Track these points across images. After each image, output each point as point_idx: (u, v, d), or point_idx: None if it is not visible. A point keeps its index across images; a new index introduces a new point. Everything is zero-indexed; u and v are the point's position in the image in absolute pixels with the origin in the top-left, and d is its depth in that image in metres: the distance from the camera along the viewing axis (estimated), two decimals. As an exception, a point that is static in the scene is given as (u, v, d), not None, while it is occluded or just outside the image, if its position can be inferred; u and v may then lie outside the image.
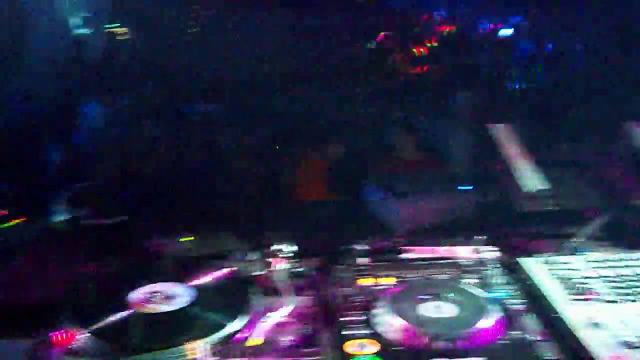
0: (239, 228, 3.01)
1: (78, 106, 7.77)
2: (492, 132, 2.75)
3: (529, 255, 2.53)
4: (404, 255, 2.58)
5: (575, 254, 2.50)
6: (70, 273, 2.60)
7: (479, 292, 2.17)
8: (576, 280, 2.25)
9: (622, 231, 2.90)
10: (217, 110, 7.41)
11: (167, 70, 8.99)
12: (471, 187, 3.02)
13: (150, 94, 7.58)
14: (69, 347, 1.96)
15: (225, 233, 2.98)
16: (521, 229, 2.82)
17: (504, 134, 2.72)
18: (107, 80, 8.72)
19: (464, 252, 2.66)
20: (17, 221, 4.17)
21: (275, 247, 2.35)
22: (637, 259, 2.45)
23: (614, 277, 2.27)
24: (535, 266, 2.38)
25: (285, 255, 2.32)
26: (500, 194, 2.81)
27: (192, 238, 2.89)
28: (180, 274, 2.29)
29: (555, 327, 2.03)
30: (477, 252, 2.63)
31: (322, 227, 2.93)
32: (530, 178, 2.49)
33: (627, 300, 2.11)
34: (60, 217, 3.17)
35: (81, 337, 1.97)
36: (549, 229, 2.79)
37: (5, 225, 4.14)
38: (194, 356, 1.89)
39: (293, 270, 2.29)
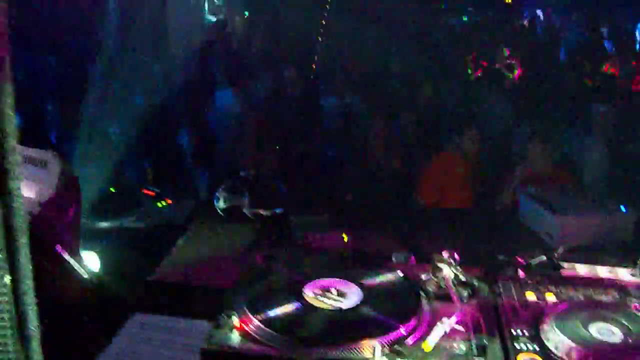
0: (392, 228, 3.09)
1: (219, 94, 8.07)
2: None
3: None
4: (564, 272, 2.59)
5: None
6: (239, 259, 2.74)
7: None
8: None
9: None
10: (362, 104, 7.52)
11: (305, 62, 9.18)
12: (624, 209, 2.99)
13: (291, 86, 7.75)
14: (245, 331, 2.08)
15: (379, 232, 3.06)
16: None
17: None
18: (246, 68, 9.00)
19: (624, 274, 2.64)
20: (166, 202, 4.40)
21: (442, 253, 2.40)
22: None
23: None
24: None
25: (451, 262, 2.37)
26: None
27: (346, 236, 2.98)
28: (350, 271, 2.38)
29: None
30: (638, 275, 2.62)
31: (477, 235, 2.97)
32: None
33: None
34: (222, 205, 3.32)
35: (257, 324, 2.09)
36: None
37: (159, 204, 4.38)
38: (365, 355, 1.97)
39: (459, 277, 2.34)
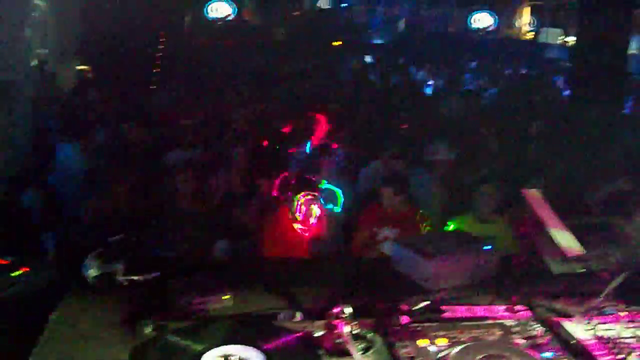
0: (275, 285, 3.09)
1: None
2: (525, 197, 2.92)
3: (565, 315, 2.70)
4: (447, 315, 2.72)
5: (606, 314, 2.67)
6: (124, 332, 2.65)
7: (531, 353, 2.31)
8: (616, 339, 2.42)
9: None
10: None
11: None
12: (490, 248, 3.20)
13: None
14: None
15: (262, 291, 3.06)
16: (551, 290, 2.98)
17: (535, 199, 2.90)
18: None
19: (501, 312, 2.81)
20: (20, 272, 4.15)
21: (333, 309, 2.44)
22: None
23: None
24: (575, 327, 2.53)
25: (344, 316, 2.42)
26: (530, 255, 2.97)
27: (230, 296, 2.95)
28: (247, 335, 2.37)
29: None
30: (514, 311, 2.79)
31: (357, 285, 3.04)
32: (566, 241, 2.66)
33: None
34: (93, 273, 3.20)
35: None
36: (577, 289, 2.97)
37: (12, 274, 4.11)
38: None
39: (354, 332, 2.39)
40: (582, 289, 3.00)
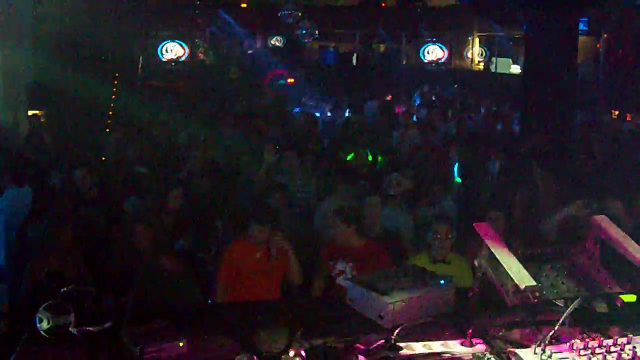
0: (227, 329, 3.06)
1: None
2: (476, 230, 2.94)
3: (519, 346, 2.71)
4: (404, 353, 2.71)
5: (559, 343, 2.69)
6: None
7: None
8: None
9: (592, 318, 3.14)
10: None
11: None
12: (444, 282, 3.21)
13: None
14: None
15: (216, 336, 3.02)
16: (505, 321, 3.01)
17: (486, 231, 2.92)
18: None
19: (456, 346, 2.82)
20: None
21: (290, 352, 2.43)
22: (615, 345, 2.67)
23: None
24: (531, 357, 2.55)
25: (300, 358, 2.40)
26: (484, 288, 2.99)
27: (184, 343, 2.91)
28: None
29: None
30: (470, 345, 2.80)
31: (311, 326, 3.02)
32: (518, 274, 2.69)
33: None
34: (45, 325, 3.13)
35: None
36: (531, 319, 2.99)
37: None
38: None
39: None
40: (537, 319, 3.04)
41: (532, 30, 11.06)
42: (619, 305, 3.20)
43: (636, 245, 2.96)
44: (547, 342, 2.72)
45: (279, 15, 18.93)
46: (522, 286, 2.58)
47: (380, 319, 3.02)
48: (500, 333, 2.95)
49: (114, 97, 17.93)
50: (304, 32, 18.96)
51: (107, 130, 15.39)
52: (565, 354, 2.58)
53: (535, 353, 2.60)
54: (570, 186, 7.25)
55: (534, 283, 2.63)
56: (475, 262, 2.97)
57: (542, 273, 2.89)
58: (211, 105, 15.03)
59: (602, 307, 3.27)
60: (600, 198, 6.35)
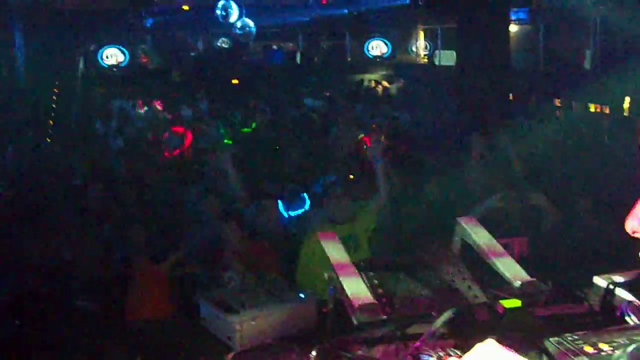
0: None
1: None
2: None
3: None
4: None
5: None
6: None
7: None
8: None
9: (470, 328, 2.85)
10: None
11: None
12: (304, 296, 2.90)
13: None
14: None
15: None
16: (369, 337, 2.71)
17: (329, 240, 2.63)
18: None
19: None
20: None
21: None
22: None
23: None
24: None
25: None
26: (336, 301, 2.68)
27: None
28: None
29: None
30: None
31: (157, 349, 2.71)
32: (358, 290, 2.39)
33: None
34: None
35: None
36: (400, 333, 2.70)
37: None
38: None
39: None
40: (407, 333, 2.73)
41: (463, 20, 10.92)
42: (500, 312, 2.92)
43: (501, 249, 2.68)
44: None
45: (216, 13, 18.60)
46: (357, 305, 2.28)
47: (229, 340, 2.71)
48: (360, 352, 2.64)
49: (54, 105, 17.60)
50: (239, 31, 18.62)
51: (49, 139, 15.07)
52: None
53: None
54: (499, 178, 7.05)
55: (371, 301, 2.33)
56: (326, 275, 2.66)
57: (399, 284, 2.60)
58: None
59: (483, 315, 2.97)
60: (524, 190, 6.15)
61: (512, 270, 2.80)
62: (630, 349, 2.32)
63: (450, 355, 2.46)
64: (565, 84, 13.67)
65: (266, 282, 3.00)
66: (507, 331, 2.77)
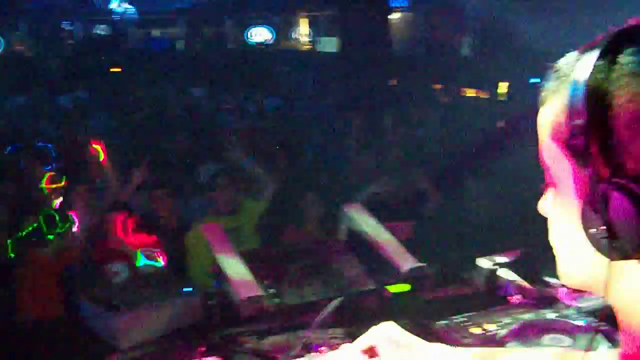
0: None
1: None
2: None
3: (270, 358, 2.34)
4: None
5: (311, 351, 2.34)
6: None
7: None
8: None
9: (359, 316, 2.83)
10: None
11: None
12: (191, 289, 2.80)
13: None
14: None
15: None
16: (258, 328, 2.63)
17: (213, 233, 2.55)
18: None
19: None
20: None
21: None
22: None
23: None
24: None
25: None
26: (222, 296, 2.61)
27: None
28: None
29: None
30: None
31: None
32: (242, 282, 2.33)
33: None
34: None
35: None
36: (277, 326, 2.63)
37: None
38: None
39: None
40: (297, 323, 2.68)
41: (343, 6, 10.98)
42: (387, 297, 2.93)
43: (388, 235, 2.67)
44: (294, 353, 2.37)
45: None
46: (245, 296, 2.22)
47: (113, 339, 2.58)
48: (248, 345, 2.57)
49: None
50: (119, 18, 18.11)
51: None
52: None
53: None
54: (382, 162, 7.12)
55: (258, 293, 2.27)
56: (211, 268, 2.59)
57: (287, 274, 2.55)
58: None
59: (371, 301, 2.97)
60: (407, 174, 6.23)
61: (398, 255, 2.80)
62: (516, 327, 2.37)
63: (340, 343, 2.43)
64: (445, 70, 13.99)
65: (151, 276, 2.89)
66: (395, 316, 2.78)
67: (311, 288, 2.54)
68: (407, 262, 2.78)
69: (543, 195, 1.28)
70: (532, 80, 13.94)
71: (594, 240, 1.08)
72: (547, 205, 1.26)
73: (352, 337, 2.51)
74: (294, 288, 2.51)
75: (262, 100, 13.47)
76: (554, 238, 1.25)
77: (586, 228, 1.09)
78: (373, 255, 2.80)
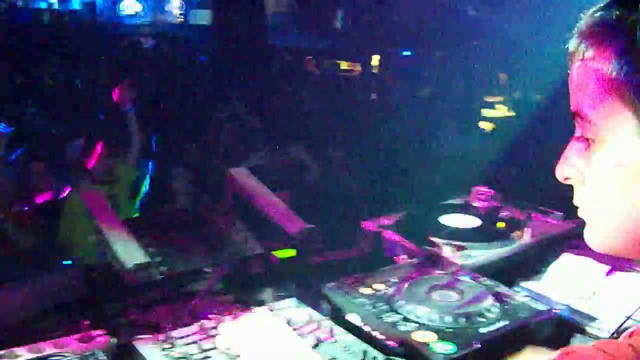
0: None
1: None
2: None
3: (154, 330, 2.25)
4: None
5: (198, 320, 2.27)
6: None
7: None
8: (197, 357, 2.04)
9: (246, 283, 2.79)
10: None
11: None
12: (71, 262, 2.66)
13: None
14: None
15: None
16: (136, 303, 2.53)
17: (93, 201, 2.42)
18: None
19: (74, 344, 2.30)
20: None
21: None
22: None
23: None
24: (152, 349, 2.10)
25: None
26: (105, 268, 2.49)
27: None
28: None
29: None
30: (89, 339, 2.29)
31: None
32: (126, 250, 2.23)
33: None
34: None
35: None
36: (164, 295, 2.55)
37: None
38: None
39: None
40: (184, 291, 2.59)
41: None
42: (274, 263, 2.90)
43: (274, 198, 2.64)
44: (181, 323, 2.30)
45: None
46: (130, 265, 2.13)
47: (-12, 318, 2.42)
48: (133, 317, 2.48)
49: None
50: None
51: None
52: (193, 337, 2.15)
53: (157, 342, 2.14)
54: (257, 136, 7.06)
55: (145, 260, 2.18)
56: (92, 238, 2.47)
57: (172, 241, 2.47)
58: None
59: (257, 268, 2.93)
60: (284, 144, 6.20)
61: (286, 218, 2.78)
62: (405, 285, 2.39)
63: (229, 310, 2.39)
64: (317, 43, 14.08)
65: (25, 250, 2.72)
66: (284, 281, 2.77)
67: (198, 256, 2.47)
68: (294, 225, 2.76)
69: (564, 159, 1.22)
70: (405, 53, 14.28)
71: None
72: (583, 165, 1.19)
73: (241, 303, 2.48)
74: (180, 256, 2.44)
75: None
76: (590, 200, 1.20)
77: None
78: (260, 220, 2.76)
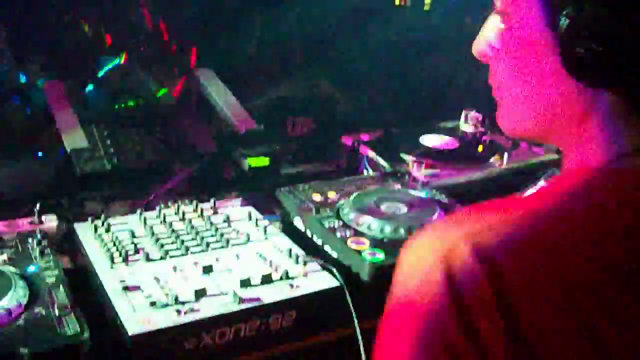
0: None
1: None
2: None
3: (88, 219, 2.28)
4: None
5: (139, 213, 2.30)
6: None
7: (7, 268, 1.90)
8: (126, 241, 2.08)
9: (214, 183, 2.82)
10: None
11: None
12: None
13: None
14: None
15: None
16: (83, 192, 2.57)
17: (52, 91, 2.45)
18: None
19: (24, 225, 2.36)
20: None
21: None
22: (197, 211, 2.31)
23: (166, 233, 2.13)
24: (88, 231, 2.16)
25: None
26: (51, 156, 2.52)
27: None
28: None
29: (96, 297, 1.87)
30: (39, 222, 2.35)
31: None
32: (72, 136, 2.26)
33: (169, 257, 1.99)
34: None
35: None
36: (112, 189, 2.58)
37: None
38: None
39: None
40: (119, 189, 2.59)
41: None
42: (244, 169, 2.91)
43: (234, 100, 2.63)
44: (142, 209, 2.32)
45: None
46: (69, 149, 2.16)
47: None
48: (89, 207, 2.53)
49: None
50: None
51: None
52: (130, 226, 2.18)
53: (92, 226, 2.18)
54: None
55: (85, 145, 2.21)
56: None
57: (131, 138, 2.49)
58: None
59: (228, 173, 2.95)
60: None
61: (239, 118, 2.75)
62: (353, 196, 2.38)
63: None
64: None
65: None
66: (249, 187, 2.79)
67: (160, 154, 2.49)
68: (243, 125, 2.73)
69: (480, 35, 1.17)
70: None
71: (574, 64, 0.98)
72: (496, 40, 1.13)
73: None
74: (141, 153, 2.47)
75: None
76: (503, 77, 1.14)
77: (565, 51, 0.98)
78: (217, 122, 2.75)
